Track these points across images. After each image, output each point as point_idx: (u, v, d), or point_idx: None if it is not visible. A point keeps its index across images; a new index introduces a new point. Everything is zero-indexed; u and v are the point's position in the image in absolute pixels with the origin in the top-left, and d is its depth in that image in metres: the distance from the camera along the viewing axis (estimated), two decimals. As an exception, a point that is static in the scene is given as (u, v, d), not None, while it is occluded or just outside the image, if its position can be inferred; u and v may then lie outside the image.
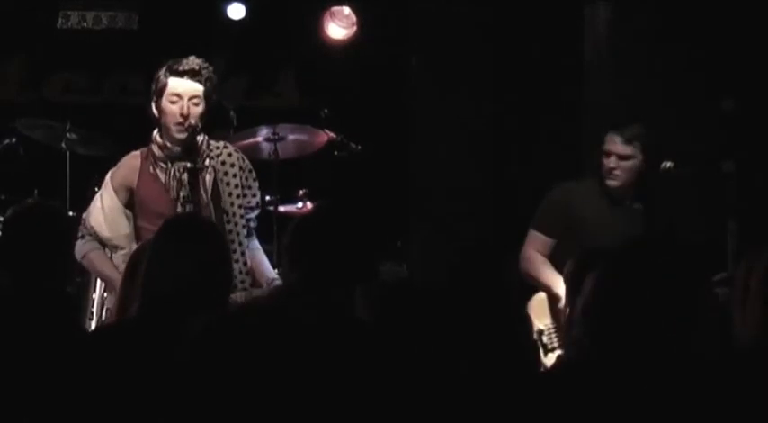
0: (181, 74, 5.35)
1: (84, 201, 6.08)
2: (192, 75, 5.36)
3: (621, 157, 5.75)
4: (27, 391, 3.74)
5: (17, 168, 7.18)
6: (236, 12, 8.26)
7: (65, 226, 4.37)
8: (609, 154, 5.77)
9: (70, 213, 6.22)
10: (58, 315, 3.98)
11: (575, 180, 6.08)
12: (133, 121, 5.73)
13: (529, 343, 3.33)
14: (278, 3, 8.40)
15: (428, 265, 7.90)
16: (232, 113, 5.92)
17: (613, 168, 5.76)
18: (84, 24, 8.54)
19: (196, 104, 5.36)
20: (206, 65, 5.43)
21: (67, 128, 6.83)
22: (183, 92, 5.34)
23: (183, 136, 5.34)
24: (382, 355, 3.30)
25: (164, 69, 5.40)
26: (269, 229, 6.37)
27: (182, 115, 5.31)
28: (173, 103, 5.34)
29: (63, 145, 6.85)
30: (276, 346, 2.92)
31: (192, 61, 5.39)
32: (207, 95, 5.38)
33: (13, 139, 7.01)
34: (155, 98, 5.40)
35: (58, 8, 8.49)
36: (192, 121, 5.32)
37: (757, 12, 7.13)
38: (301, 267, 3.46)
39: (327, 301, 3.41)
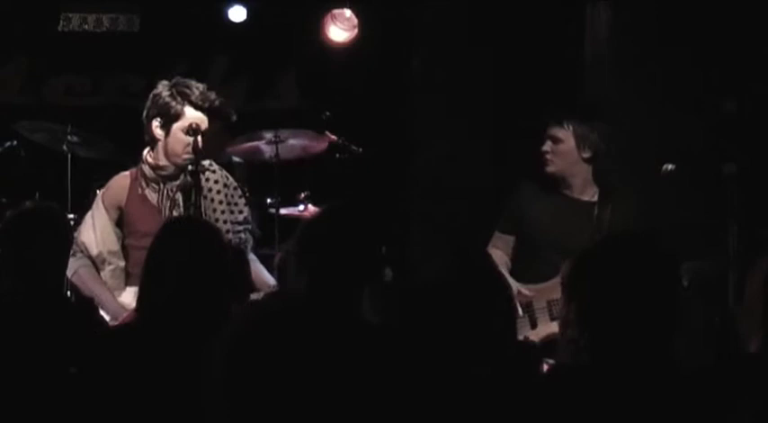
0: (201, 109, 5.36)
1: (85, 203, 6.08)
2: (211, 109, 5.37)
3: (554, 140, 5.64)
4: (28, 393, 3.75)
5: (18, 171, 7.17)
6: (237, 14, 8.26)
7: (64, 228, 4.37)
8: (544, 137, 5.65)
9: (72, 216, 6.22)
10: (59, 317, 3.99)
11: (527, 181, 5.92)
12: (134, 123, 5.74)
13: (529, 343, 3.33)
14: (279, 5, 8.41)
15: (428, 267, 7.89)
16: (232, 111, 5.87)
17: (546, 152, 5.63)
18: (86, 27, 8.54)
19: (204, 134, 5.39)
20: (221, 98, 5.44)
21: (68, 130, 6.83)
22: (201, 123, 5.37)
23: (188, 163, 5.36)
24: (390, 358, 3.31)
25: (174, 93, 5.38)
26: (270, 231, 6.38)
27: (194, 150, 5.33)
28: (188, 134, 5.35)
29: (64, 147, 6.84)
30: (290, 351, 2.91)
31: (208, 94, 5.38)
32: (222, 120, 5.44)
33: (15, 142, 7.00)
34: (162, 120, 5.39)
35: (59, 11, 8.49)
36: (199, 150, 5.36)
37: (759, 12, 7.13)
38: (310, 270, 3.46)
39: (336, 303, 3.41)
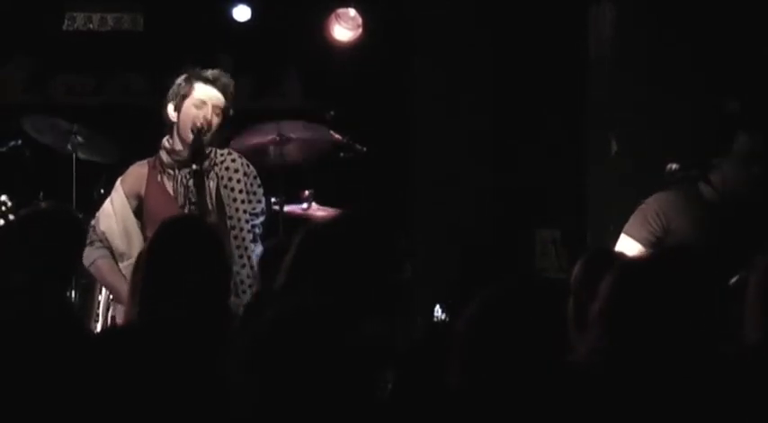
0: (210, 82, 5.43)
1: (89, 203, 6.08)
2: (220, 86, 5.44)
3: None
4: (29, 395, 3.75)
5: (22, 170, 7.17)
6: (241, 13, 8.27)
7: (82, 232, 4.36)
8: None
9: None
10: (64, 320, 3.99)
11: (669, 189, 5.67)
12: (137, 122, 5.75)
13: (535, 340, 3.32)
14: (283, 4, 8.42)
15: (432, 265, 7.91)
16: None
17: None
18: (90, 26, 8.54)
19: (217, 115, 5.46)
20: (232, 81, 5.51)
21: (74, 130, 6.83)
22: (208, 99, 5.43)
23: (194, 136, 5.40)
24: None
25: (187, 75, 5.49)
26: (275, 229, 6.38)
27: (205, 119, 5.38)
28: (197, 107, 5.42)
29: (69, 147, 6.84)
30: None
31: (221, 73, 5.49)
32: (226, 110, 5.47)
33: (19, 141, 7.00)
34: (175, 101, 5.46)
35: (63, 10, 8.50)
36: (206, 128, 5.39)
37: (763, 12, 7.13)
38: (317, 277, 3.45)
39: (341, 308, 3.41)
